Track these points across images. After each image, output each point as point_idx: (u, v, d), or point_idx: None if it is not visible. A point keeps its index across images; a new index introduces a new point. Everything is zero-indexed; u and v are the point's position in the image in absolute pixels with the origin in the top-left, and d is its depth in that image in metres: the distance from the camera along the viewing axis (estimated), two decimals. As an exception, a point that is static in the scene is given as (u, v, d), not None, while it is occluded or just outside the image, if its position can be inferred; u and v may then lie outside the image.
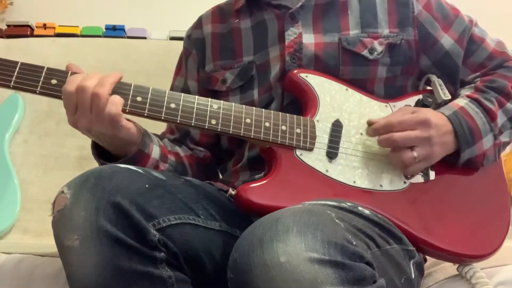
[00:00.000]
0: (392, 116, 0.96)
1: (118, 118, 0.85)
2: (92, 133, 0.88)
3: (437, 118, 0.94)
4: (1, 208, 1.51)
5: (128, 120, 0.90)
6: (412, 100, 1.03)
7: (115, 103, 0.85)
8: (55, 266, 1.03)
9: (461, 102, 0.99)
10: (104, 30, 1.80)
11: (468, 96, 1.00)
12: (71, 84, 0.84)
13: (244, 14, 1.09)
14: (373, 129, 0.96)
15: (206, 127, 0.89)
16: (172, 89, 1.16)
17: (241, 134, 0.91)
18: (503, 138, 1.01)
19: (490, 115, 0.98)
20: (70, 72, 0.87)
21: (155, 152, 0.97)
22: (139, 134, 0.93)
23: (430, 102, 1.00)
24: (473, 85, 1.04)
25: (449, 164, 0.98)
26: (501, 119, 0.99)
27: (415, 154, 0.91)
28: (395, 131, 0.92)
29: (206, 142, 1.13)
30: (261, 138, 0.91)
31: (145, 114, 0.87)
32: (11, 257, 1.07)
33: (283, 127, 0.93)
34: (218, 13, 1.14)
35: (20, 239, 1.50)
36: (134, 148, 0.92)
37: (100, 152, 0.94)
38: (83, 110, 0.85)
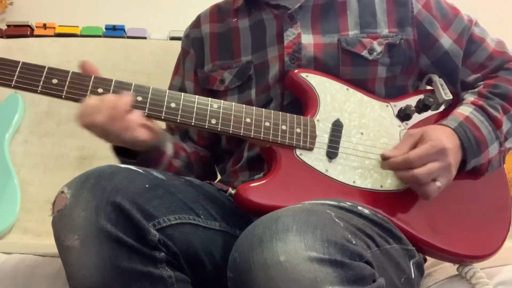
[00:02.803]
0: (406, 149, 0.92)
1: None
2: None
3: (449, 140, 0.92)
4: (1, 208, 1.52)
5: (143, 128, 0.90)
6: (413, 100, 1.02)
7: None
8: (55, 266, 1.03)
9: (465, 110, 0.99)
10: (104, 30, 1.80)
11: (472, 103, 1.00)
12: (85, 117, 0.85)
13: (242, 13, 1.09)
14: (390, 165, 0.92)
15: (206, 126, 0.89)
16: (170, 88, 1.17)
17: (241, 134, 0.91)
18: (508, 144, 1.01)
19: (495, 123, 0.98)
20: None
21: (169, 148, 0.99)
22: (151, 143, 0.92)
23: (432, 102, 0.99)
24: (476, 90, 1.03)
25: None
26: (506, 125, 0.99)
27: (438, 184, 0.90)
28: (415, 167, 0.89)
29: (203, 144, 1.13)
30: (261, 138, 0.91)
31: (145, 114, 0.87)
32: (11, 257, 1.07)
33: (283, 127, 0.93)
34: (216, 12, 1.14)
35: (20, 239, 1.50)
36: (151, 145, 0.93)
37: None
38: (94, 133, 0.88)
